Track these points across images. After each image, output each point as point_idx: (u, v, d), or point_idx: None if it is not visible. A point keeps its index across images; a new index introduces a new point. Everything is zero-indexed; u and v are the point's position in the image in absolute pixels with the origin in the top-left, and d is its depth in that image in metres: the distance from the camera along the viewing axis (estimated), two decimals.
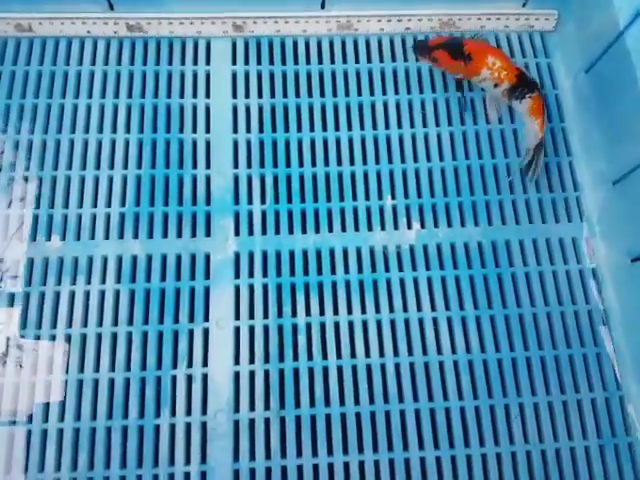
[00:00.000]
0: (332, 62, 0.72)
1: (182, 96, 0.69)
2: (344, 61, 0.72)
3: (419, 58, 0.71)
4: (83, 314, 0.60)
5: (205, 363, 0.60)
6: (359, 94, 0.71)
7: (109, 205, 0.64)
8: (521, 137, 0.69)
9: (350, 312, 0.62)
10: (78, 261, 0.62)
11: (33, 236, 0.62)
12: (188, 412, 0.58)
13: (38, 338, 0.59)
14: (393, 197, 0.66)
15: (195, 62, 0.71)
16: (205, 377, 0.59)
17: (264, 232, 0.65)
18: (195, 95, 0.69)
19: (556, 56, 0.74)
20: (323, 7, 0.72)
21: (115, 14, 0.70)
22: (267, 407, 0.59)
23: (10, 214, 0.63)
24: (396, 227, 0.65)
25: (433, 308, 0.62)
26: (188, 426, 0.58)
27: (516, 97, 0.67)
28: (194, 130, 0.68)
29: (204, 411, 0.58)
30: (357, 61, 0.72)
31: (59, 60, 0.70)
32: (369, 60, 0.72)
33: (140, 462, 0.56)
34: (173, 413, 0.58)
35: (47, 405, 0.57)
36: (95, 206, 0.64)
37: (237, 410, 0.58)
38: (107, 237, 0.63)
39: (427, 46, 0.69)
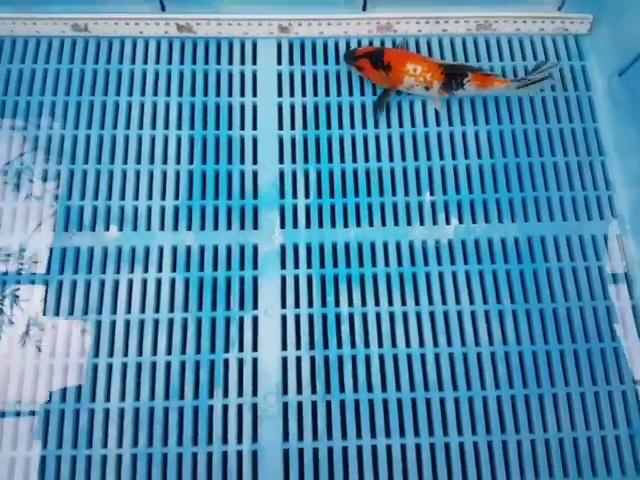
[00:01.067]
0: None
1: (230, 95, 0.73)
2: None
3: (349, 66, 0.73)
4: (141, 301, 0.64)
5: (255, 348, 0.63)
6: (398, 93, 0.73)
7: (164, 198, 0.68)
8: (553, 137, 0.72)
9: (391, 304, 0.65)
10: (135, 250, 0.65)
11: (92, 226, 0.66)
12: (240, 394, 0.62)
13: (99, 324, 0.63)
14: (432, 193, 0.69)
15: (242, 62, 0.74)
16: (255, 361, 0.63)
17: (308, 225, 0.68)
18: (243, 94, 0.73)
19: (590, 59, 0.76)
20: (364, 9, 0.74)
21: (166, 15, 0.73)
22: (313, 391, 0.62)
23: (70, 205, 0.66)
24: (435, 222, 0.68)
25: (471, 301, 0.65)
26: (240, 407, 0.61)
27: (455, 89, 0.69)
28: (242, 127, 0.71)
29: (254, 393, 0.62)
30: None
31: (113, 59, 0.73)
32: None
33: (195, 440, 0.60)
34: (226, 394, 0.61)
35: (109, 387, 0.61)
36: (150, 199, 0.68)
37: (285, 393, 0.62)
38: (162, 228, 0.67)
39: (353, 54, 0.71)
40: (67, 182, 0.67)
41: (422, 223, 0.68)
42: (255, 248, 0.67)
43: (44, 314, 0.63)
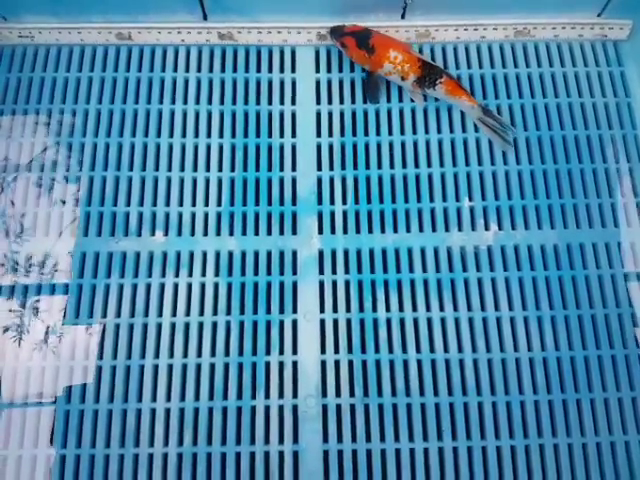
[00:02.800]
0: None
1: (270, 102, 0.74)
2: None
3: (333, 42, 0.73)
4: (186, 304, 0.66)
5: (295, 351, 0.65)
6: (436, 99, 0.74)
7: (207, 204, 0.70)
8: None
9: (429, 309, 0.66)
10: (181, 255, 0.67)
11: (138, 231, 0.68)
12: (281, 395, 0.63)
13: (145, 327, 0.65)
14: (470, 199, 0.70)
15: (282, 70, 0.75)
16: (295, 364, 0.64)
17: (345, 231, 0.69)
18: (282, 102, 0.74)
19: (629, 65, 0.75)
20: (403, 17, 0.75)
21: (208, 24, 0.75)
22: (352, 394, 0.63)
23: (117, 211, 0.69)
24: (474, 228, 0.68)
25: (510, 308, 0.66)
26: (281, 408, 0.63)
27: (427, 86, 0.70)
28: (281, 135, 0.73)
29: (295, 395, 0.63)
30: None
31: (155, 67, 0.75)
32: (445, 67, 0.75)
33: (238, 440, 0.62)
34: (267, 396, 0.63)
35: (155, 387, 0.63)
36: (194, 205, 0.69)
37: (325, 395, 0.63)
38: (206, 234, 0.68)
39: (341, 31, 0.72)
40: (113, 189, 0.70)
41: (460, 229, 0.68)
42: (294, 253, 0.68)
43: (90, 316, 0.65)
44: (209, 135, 0.72)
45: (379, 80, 0.73)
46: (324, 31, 0.75)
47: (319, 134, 0.73)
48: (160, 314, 0.65)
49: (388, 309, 0.66)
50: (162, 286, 0.66)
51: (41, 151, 0.71)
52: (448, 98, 0.71)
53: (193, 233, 0.69)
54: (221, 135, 0.73)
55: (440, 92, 0.70)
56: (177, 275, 0.67)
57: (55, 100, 0.74)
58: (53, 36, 0.76)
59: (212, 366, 0.64)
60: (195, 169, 0.71)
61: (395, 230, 0.69)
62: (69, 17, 0.75)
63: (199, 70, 0.75)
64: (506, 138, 0.70)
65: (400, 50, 0.70)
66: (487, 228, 0.68)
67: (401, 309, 0.66)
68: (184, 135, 0.72)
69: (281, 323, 0.66)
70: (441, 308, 0.66)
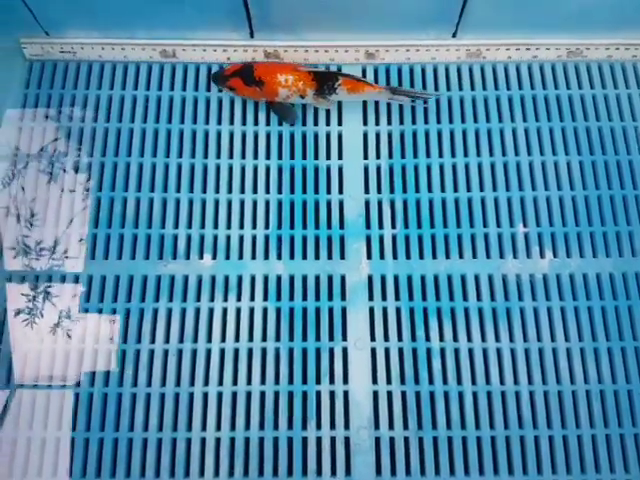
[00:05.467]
0: (460, 89, 0.74)
1: (316, 123, 0.73)
2: (472, 88, 0.74)
3: (220, 88, 0.72)
4: (235, 330, 0.65)
5: (346, 380, 0.63)
6: (487, 121, 0.72)
7: (254, 227, 0.68)
8: None
9: (484, 339, 0.65)
10: (229, 279, 0.66)
11: (186, 254, 0.67)
12: (332, 426, 0.62)
13: (194, 352, 0.64)
14: (525, 225, 0.68)
15: None
16: (346, 394, 0.63)
17: (395, 256, 0.68)
18: (328, 122, 0.73)
19: None
20: (454, 36, 0.73)
21: (254, 42, 0.73)
22: (405, 426, 0.62)
23: (165, 233, 0.68)
24: (529, 255, 0.67)
25: (567, 338, 0.64)
26: (333, 440, 0.62)
27: (328, 94, 0.69)
28: (328, 157, 0.71)
29: (347, 426, 0.62)
30: (484, 88, 0.74)
31: (200, 86, 0.74)
32: (496, 87, 0.74)
33: (290, 471, 0.61)
34: (319, 426, 0.62)
35: (205, 416, 0.62)
36: (242, 228, 0.68)
37: (377, 427, 0.62)
38: (254, 257, 0.67)
39: (223, 75, 0.70)
40: (160, 210, 0.68)
41: (515, 256, 0.67)
42: (343, 278, 0.67)
43: (139, 341, 0.64)
44: (256, 156, 0.71)
45: (283, 104, 0.71)
46: (372, 49, 0.73)
47: (366, 156, 0.71)
48: (209, 340, 0.64)
49: (442, 338, 0.64)
50: (211, 311, 0.65)
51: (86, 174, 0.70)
52: (354, 96, 0.70)
53: (241, 256, 0.67)
54: (268, 157, 0.71)
55: (343, 94, 0.70)
56: (226, 299, 0.66)
57: (99, 119, 0.72)
58: (96, 52, 0.75)
59: (262, 394, 0.63)
60: (242, 191, 0.70)
61: (447, 256, 0.67)
62: (112, 33, 0.73)
63: None
64: (426, 97, 0.71)
65: (287, 71, 0.69)
66: (542, 256, 0.67)
67: (455, 339, 0.65)
68: (231, 156, 0.71)
69: (331, 351, 0.64)
70: (497, 338, 0.65)
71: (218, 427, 0.62)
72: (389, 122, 0.73)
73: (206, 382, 0.63)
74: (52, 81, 0.74)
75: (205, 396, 0.63)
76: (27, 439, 0.61)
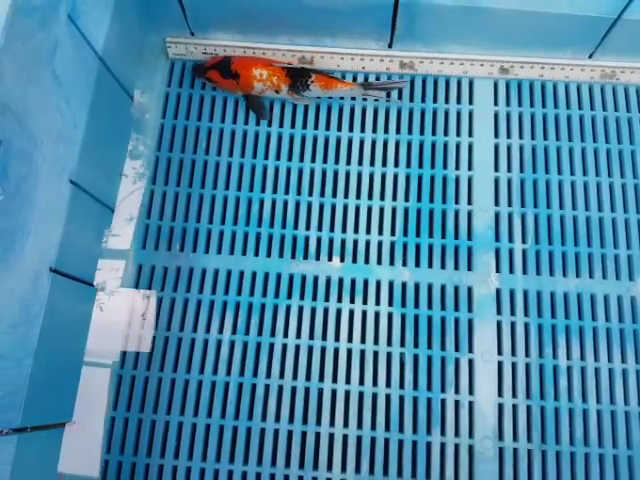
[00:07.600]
0: (592, 108, 0.74)
1: (446, 133, 0.74)
2: (604, 108, 0.73)
3: (201, 80, 0.74)
4: (361, 332, 0.67)
5: (471, 391, 0.64)
6: (619, 142, 0.72)
7: (381, 233, 0.70)
8: None
9: (610, 360, 0.65)
10: (356, 282, 0.68)
11: (316, 255, 0.70)
12: (456, 434, 0.63)
13: (323, 350, 0.66)
14: None
15: (459, 101, 0.75)
16: (471, 404, 0.64)
17: (525, 271, 0.68)
18: (458, 133, 0.74)
19: None
20: (591, 57, 0.73)
21: (392, 52, 0.75)
22: (529, 439, 0.63)
23: (297, 235, 0.70)
24: None
25: None
26: (457, 447, 0.63)
27: (302, 90, 0.70)
28: (457, 167, 0.72)
29: (471, 435, 0.63)
30: (616, 109, 0.73)
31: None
32: (628, 109, 0.73)
33: (414, 473, 0.62)
34: (443, 433, 0.63)
35: (333, 414, 0.64)
36: (369, 233, 0.70)
37: (501, 438, 0.63)
38: (380, 262, 0.69)
39: (202, 68, 0.71)
40: (293, 212, 0.71)
41: None
42: (469, 290, 0.68)
43: (259, 334, 0.67)
44: (384, 164, 0.73)
45: (258, 98, 0.73)
46: (507, 65, 0.74)
47: (497, 168, 0.72)
48: (337, 339, 0.67)
49: (569, 357, 0.65)
50: (338, 312, 0.68)
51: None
52: (327, 92, 0.71)
53: (367, 261, 0.69)
54: (396, 164, 0.73)
55: (317, 90, 0.71)
56: (352, 301, 0.68)
57: (238, 121, 0.75)
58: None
59: (387, 397, 0.65)
60: (370, 197, 0.72)
61: (577, 274, 0.67)
62: (256, 36, 0.76)
63: (377, 99, 0.75)
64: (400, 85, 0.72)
65: (262, 66, 0.70)
66: None
67: (582, 358, 0.65)
68: (360, 163, 0.73)
69: (457, 361, 0.66)
70: (623, 359, 0.64)
71: (345, 424, 0.64)
72: (521, 136, 0.73)
73: (334, 379, 0.65)
74: (193, 81, 0.78)
75: (334, 393, 0.65)
76: None
